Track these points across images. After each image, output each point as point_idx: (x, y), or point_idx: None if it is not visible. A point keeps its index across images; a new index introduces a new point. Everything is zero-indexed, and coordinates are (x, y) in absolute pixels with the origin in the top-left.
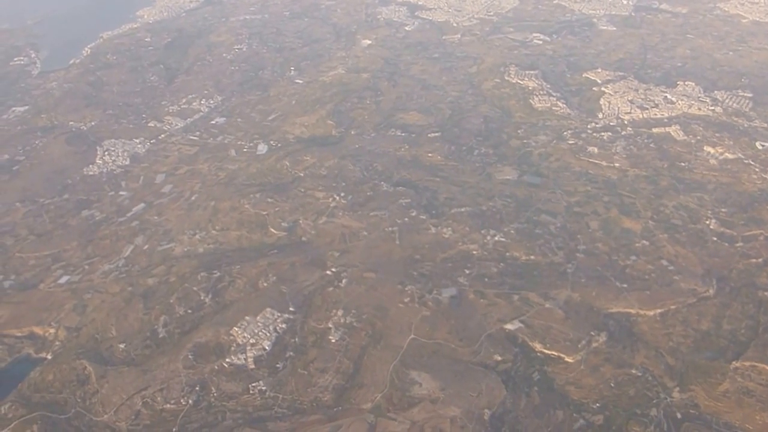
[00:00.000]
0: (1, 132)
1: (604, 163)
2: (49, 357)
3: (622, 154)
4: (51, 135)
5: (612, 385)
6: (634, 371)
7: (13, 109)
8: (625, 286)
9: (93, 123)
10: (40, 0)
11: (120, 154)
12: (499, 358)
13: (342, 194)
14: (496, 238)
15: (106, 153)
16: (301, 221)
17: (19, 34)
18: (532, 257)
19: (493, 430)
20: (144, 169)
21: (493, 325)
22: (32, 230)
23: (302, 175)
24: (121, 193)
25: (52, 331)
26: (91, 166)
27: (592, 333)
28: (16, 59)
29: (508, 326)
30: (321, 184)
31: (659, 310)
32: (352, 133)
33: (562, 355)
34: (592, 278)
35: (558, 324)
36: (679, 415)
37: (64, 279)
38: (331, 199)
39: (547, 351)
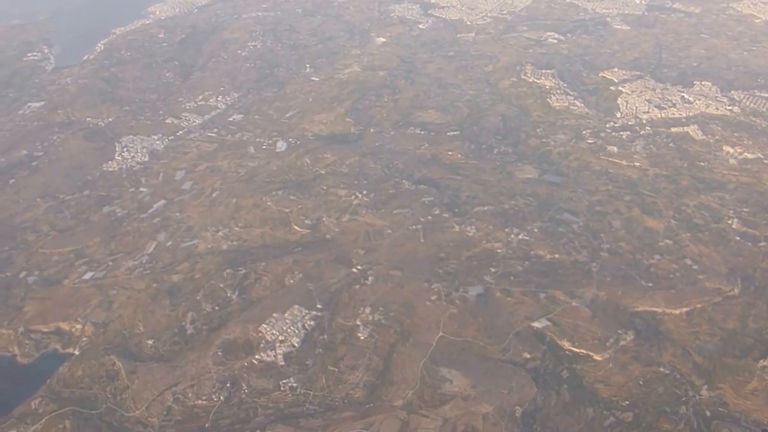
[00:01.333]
0: (17, 127)
1: (624, 163)
2: (76, 353)
3: (642, 154)
4: (68, 131)
5: (641, 383)
6: (662, 369)
7: (29, 104)
8: (650, 284)
9: (110, 119)
10: None
11: (139, 151)
12: (528, 356)
13: (364, 192)
14: (520, 237)
15: (124, 149)
16: (324, 219)
17: (31, 30)
18: (557, 256)
19: (525, 427)
20: (163, 165)
21: (520, 323)
22: (54, 226)
23: (323, 172)
24: (141, 189)
25: (78, 326)
26: (110, 162)
27: (620, 331)
28: (29, 55)
29: (536, 324)
30: (343, 182)
31: (685, 309)
32: (371, 131)
33: (591, 353)
34: (617, 277)
35: (585, 322)
36: (708, 413)
37: (88, 275)
38: (353, 197)
39: (575, 349)
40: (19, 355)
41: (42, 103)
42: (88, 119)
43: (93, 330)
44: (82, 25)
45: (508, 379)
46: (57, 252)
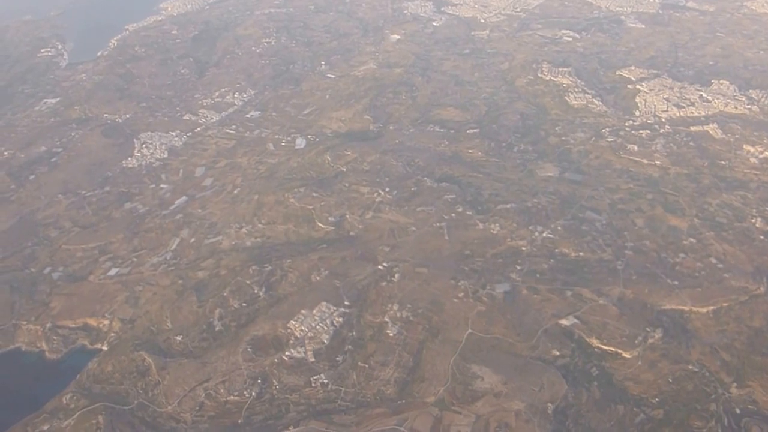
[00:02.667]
0: (34, 124)
1: (644, 161)
2: (104, 348)
3: (662, 152)
4: (86, 127)
5: (670, 380)
6: (690, 367)
7: (45, 100)
8: (676, 283)
9: (128, 115)
10: None
11: (157, 147)
12: (557, 353)
13: (387, 189)
14: (544, 235)
15: (143, 146)
16: (347, 216)
17: (43, 26)
18: (581, 254)
19: (557, 424)
20: (183, 162)
21: (548, 321)
22: (76, 222)
23: (344, 169)
24: (161, 186)
25: (106, 322)
26: (129, 158)
27: (648, 329)
28: (42, 51)
29: (564, 322)
30: (364, 179)
31: (712, 308)
32: (391, 128)
33: (620, 351)
34: (642, 275)
35: (613, 320)
36: (738, 411)
37: (113, 271)
38: (376, 194)
39: (604, 346)
40: (47, 350)
41: (58, 99)
42: (105, 115)
43: (120, 326)
44: (93, 21)
45: (539, 376)
46: (80, 248)
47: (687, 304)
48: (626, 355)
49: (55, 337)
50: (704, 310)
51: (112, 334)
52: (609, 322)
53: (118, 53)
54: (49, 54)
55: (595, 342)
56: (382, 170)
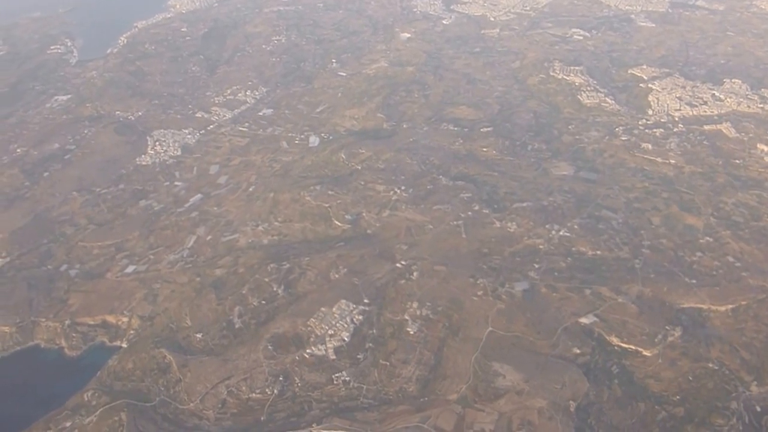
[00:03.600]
0: (46, 121)
1: (659, 160)
2: (124, 345)
3: (677, 151)
4: (99, 124)
5: (690, 378)
6: (710, 365)
7: (56, 97)
8: (694, 281)
9: (140, 113)
10: None
11: (171, 145)
12: (578, 351)
13: (402, 187)
14: (561, 233)
15: (156, 143)
16: (364, 214)
17: (52, 23)
18: (599, 252)
19: (579, 421)
20: (196, 159)
21: (568, 319)
22: (91, 219)
23: (359, 168)
24: (176, 183)
25: (125, 319)
26: (143, 156)
27: (667, 327)
28: (52, 47)
29: (583, 320)
30: (380, 177)
31: (730, 306)
32: (404, 126)
33: (640, 349)
34: (660, 274)
35: (633, 318)
36: (758, 409)
37: (130, 268)
38: (392, 193)
39: (624, 345)
40: (67, 347)
41: (69, 96)
42: (117, 113)
43: (140, 323)
44: (102, 18)
45: (560, 374)
46: (97, 245)
47: (705, 302)
48: (646, 353)
49: (74, 334)
50: (723, 308)
51: (132, 332)
52: (628, 320)
53: (128, 50)
54: (59, 51)
55: (615, 340)
56: (397, 168)
